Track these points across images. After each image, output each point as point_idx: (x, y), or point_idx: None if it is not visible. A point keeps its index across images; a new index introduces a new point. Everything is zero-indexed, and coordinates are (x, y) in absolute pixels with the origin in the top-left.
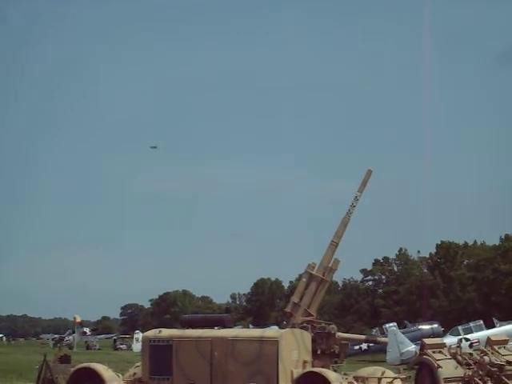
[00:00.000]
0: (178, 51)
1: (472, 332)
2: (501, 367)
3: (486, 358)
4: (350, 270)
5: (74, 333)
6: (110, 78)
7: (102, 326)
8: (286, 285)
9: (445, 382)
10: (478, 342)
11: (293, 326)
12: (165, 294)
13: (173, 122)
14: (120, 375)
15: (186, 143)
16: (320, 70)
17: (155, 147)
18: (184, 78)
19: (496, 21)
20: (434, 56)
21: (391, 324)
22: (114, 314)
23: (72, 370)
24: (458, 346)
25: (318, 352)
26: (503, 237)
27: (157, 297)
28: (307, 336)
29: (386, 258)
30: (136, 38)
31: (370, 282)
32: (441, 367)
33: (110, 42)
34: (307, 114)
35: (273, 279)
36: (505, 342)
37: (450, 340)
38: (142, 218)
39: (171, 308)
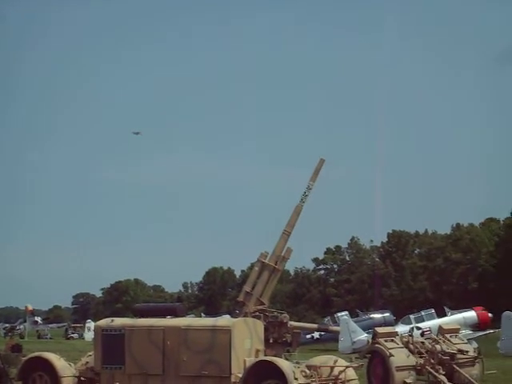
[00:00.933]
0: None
1: (424, 321)
2: (452, 356)
3: (437, 346)
4: (302, 259)
5: (25, 322)
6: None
7: (53, 315)
8: (238, 274)
9: (397, 370)
10: (430, 330)
11: (245, 315)
12: (116, 282)
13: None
14: (72, 364)
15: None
16: (273, 60)
17: (138, 133)
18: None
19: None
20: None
21: (343, 313)
22: (66, 302)
23: (24, 359)
24: (409, 335)
25: (271, 341)
26: (454, 226)
27: (108, 286)
28: (259, 325)
29: (338, 247)
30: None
31: (322, 271)
32: (393, 356)
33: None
34: (261, 104)
35: (225, 268)
36: (456, 330)
37: (401, 329)
38: (93, 207)
39: (123, 297)
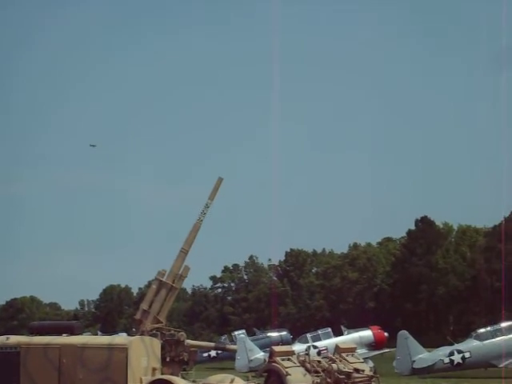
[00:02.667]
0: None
1: (320, 339)
2: (349, 375)
3: (334, 365)
4: (199, 277)
5: None
6: None
7: None
8: (135, 292)
9: None
10: (327, 349)
11: (142, 333)
12: (12, 299)
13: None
14: None
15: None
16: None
17: (94, 146)
18: None
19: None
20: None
21: (240, 331)
22: None
23: None
24: (306, 354)
25: (167, 359)
26: (351, 245)
27: (4, 303)
28: (156, 343)
29: (235, 266)
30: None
31: (220, 290)
32: (289, 374)
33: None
34: (162, 119)
35: (122, 286)
36: (353, 349)
37: (298, 347)
38: None
39: (19, 314)
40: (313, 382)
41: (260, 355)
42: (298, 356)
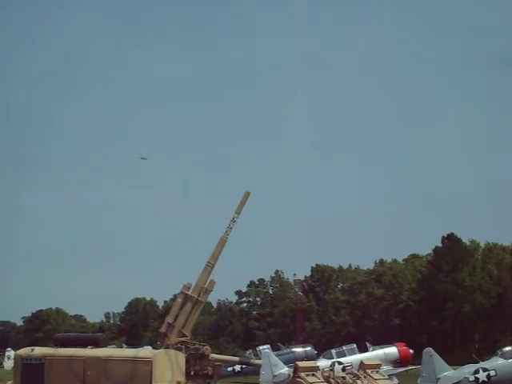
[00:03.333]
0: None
1: (345, 355)
2: None
3: (358, 381)
4: (225, 291)
5: None
6: None
7: None
8: (160, 305)
9: None
10: (351, 365)
11: (167, 347)
12: (38, 311)
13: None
14: None
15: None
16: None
17: (145, 158)
18: None
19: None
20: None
21: (265, 346)
22: None
23: None
24: (331, 370)
25: (192, 373)
26: (377, 261)
27: (29, 314)
28: (181, 357)
29: (261, 280)
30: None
31: (245, 304)
32: None
33: None
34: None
35: (147, 299)
36: (377, 366)
37: (323, 363)
38: (13, 233)
39: (44, 326)
40: None
41: (284, 370)
42: (323, 372)
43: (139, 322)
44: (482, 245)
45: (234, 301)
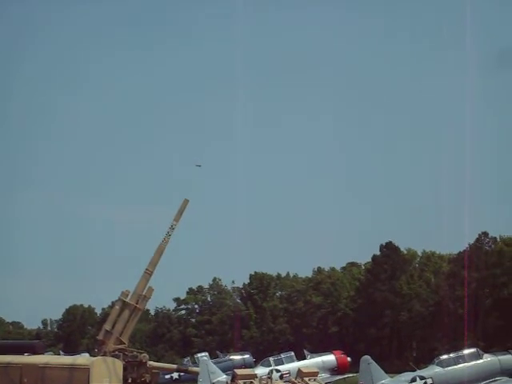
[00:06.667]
0: None
1: (283, 363)
2: None
3: None
4: (163, 298)
5: None
6: None
7: None
8: (98, 312)
9: None
10: (289, 373)
11: (104, 354)
12: None
13: None
14: None
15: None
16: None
17: (200, 165)
18: None
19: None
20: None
21: (203, 354)
22: None
23: None
24: (268, 377)
25: (129, 380)
26: (316, 269)
27: None
28: (119, 364)
29: (200, 288)
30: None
31: (183, 311)
32: None
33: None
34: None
35: (85, 306)
36: (315, 373)
37: (261, 371)
38: None
39: None
40: None
41: (222, 378)
42: (261, 379)
43: (77, 329)
44: (420, 253)
45: (172, 308)
